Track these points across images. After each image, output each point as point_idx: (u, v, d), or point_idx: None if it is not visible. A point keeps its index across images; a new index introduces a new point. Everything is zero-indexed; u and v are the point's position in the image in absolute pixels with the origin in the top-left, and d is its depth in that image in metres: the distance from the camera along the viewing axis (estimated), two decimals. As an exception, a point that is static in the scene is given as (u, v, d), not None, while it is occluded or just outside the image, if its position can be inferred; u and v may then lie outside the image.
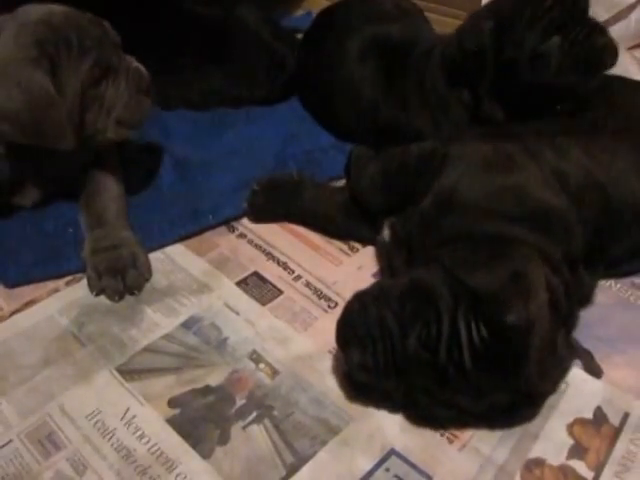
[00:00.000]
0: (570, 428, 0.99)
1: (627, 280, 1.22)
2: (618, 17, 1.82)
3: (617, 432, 0.98)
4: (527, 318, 0.86)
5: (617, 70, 1.68)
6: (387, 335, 0.89)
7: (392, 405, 0.98)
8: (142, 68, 1.21)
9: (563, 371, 1.00)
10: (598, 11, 1.81)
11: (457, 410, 0.93)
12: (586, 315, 1.09)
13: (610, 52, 1.26)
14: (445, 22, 1.78)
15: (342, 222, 1.25)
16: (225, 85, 1.57)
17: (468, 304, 0.87)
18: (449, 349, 0.86)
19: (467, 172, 1.07)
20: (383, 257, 1.17)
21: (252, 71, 1.58)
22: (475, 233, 1.00)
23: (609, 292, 1.19)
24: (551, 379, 0.98)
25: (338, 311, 1.09)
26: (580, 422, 1.00)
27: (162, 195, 1.34)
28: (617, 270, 1.19)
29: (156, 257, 1.24)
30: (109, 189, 1.25)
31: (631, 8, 1.80)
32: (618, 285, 1.21)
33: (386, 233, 1.13)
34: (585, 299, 1.11)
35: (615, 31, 1.79)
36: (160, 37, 1.55)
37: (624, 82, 1.45)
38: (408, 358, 0.88)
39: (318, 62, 1.55)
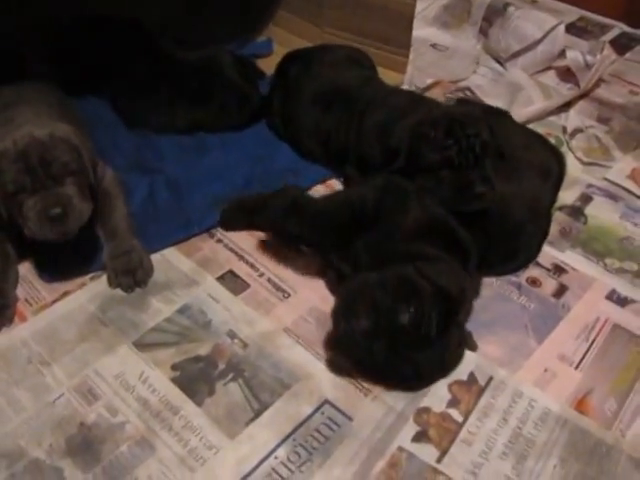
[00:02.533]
0: (450, 386, 1.30)
1: (505, 279, 1.53)
2: (527, 48, 2.20)
3: (482, 390, 1.29)
4: (465, 316, 1.26)
5: (522, 96, 2.02)
6: (384, 310, 1.17)
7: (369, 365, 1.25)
8: (63, 199, 1.32)
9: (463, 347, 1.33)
10: (512, 43, 2.20)
11: (415, 366, 1.21)
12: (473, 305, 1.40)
13: (480, 198, 1.40)
14: (385, 56, 2.12)
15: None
16: (205, 116, 1.90)
17: (438, 297, 1.19)
18: (427, 324, 1.17)
19: (404, 213, 1.38)
20: (331, 275, 1.48)
21: (226, 105, 1.90)
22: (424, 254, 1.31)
23: (491, 288, 1.50)
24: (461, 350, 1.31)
25: (291, 300, 1.44)
26: (457, 382, 1.30)
27: (159, 210, 1.64)
28: (493, 270, 1.52)
29: (156, 258, 1.53)
30: (118, 210, 1.54)
31: (538, 42, 2.18)
32: (498, 282, 1.52)
33: (334, 257, 1.42)
34: (475, 293, 1.43)
35: (526, 58, 2.19)
36: (156, 79, 1.90)
37: (513, 124, 1.75)
38: (397, 328, 1.16)
39: (284, 98, 1.87)
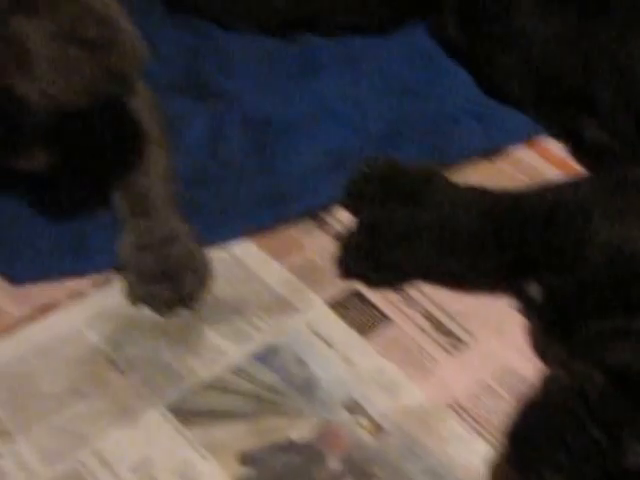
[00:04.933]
0: None
1: None
2: None
3: None
4: None
5: None
6: (593, 449, 1.09)
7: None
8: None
9: None
10: None
11: None
12: None
13: None
14: None
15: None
16: (314, 4, 1.89)
17: None
18: None
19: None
20: (532, 319, 1.45)
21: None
22: None
23: None
24: None
25: (468, 354, 1.41)
26: None
27: (227, 169, 1.62)
28: None
29: (219, 257, 1.51)
30: (154, 161, 1.53)
31: None
32: None
33: (534, 288, 1.42)
34: None
35: None
36: None
37: None
38: (626, 476, 1.08)
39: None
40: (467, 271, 1.50)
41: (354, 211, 1.62)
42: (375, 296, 1.51)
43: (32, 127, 1.43)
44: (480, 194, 1.55)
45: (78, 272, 1.51)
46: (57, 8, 1.28)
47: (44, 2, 1.28)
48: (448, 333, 1.48)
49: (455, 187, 1.60)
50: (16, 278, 1.49)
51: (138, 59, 1.33)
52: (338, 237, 1.55)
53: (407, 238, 1.48)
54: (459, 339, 1.47)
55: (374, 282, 1.52)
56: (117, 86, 1.34)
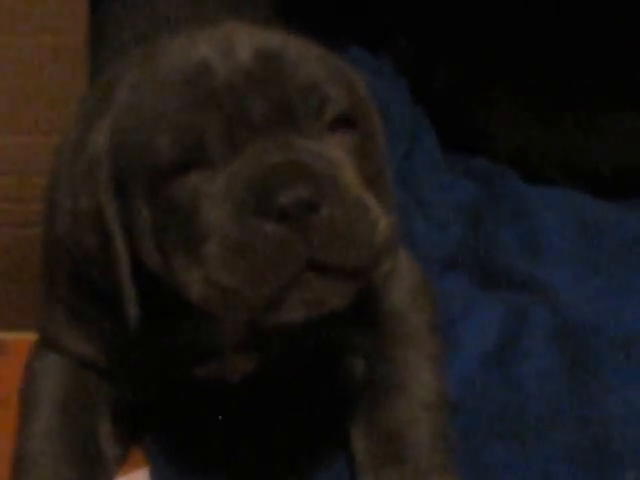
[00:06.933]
0: None
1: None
2: None
3: None
4: None
5: None
6: None
7: None
8: (318, 166, 1.06)
9: None
10: None
11: None
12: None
13: None
14: None
15: None
16: None
17: None
18: None
19: None
20: None
21: None
22: None
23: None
24: None
25: None
26: None
27: (523, 399, 1.37)
28: None
29: None
30: (416, 379, 1.30)
31: None
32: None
33: None
34: None
35: None
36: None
37: None
38: None
39: None
40: None
41: None
42: None
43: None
44: None
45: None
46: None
47: (221, 156, 1.07)
48: None
49: None
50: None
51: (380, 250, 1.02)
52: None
53: None
54: None
55: None
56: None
